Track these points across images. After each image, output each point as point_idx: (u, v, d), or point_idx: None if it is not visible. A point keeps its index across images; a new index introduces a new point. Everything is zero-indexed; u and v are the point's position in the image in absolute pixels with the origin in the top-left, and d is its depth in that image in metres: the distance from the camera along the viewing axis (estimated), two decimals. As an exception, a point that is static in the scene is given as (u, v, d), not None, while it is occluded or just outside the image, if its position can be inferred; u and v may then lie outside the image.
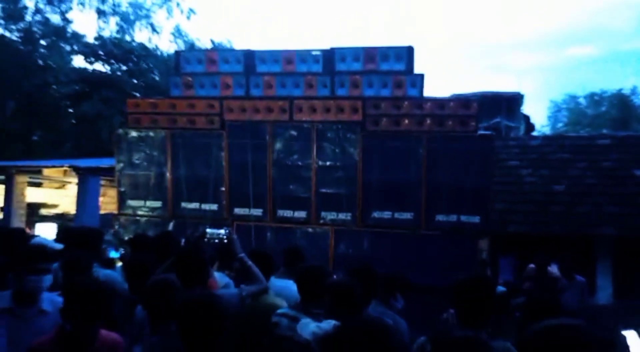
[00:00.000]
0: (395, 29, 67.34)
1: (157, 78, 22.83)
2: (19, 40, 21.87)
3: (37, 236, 5.10)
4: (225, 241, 4.22)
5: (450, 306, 3.13)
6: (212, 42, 26.42)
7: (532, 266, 7.58)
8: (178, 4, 25.66)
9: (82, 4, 23.71)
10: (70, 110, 22.45)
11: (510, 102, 13.68)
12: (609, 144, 11.01)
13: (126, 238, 7.23)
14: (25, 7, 22.37)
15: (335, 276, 6.75)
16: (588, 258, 9.47)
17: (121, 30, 25.03)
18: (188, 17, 25.87)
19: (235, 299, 3.67)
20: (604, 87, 34.14)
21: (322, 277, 3.66)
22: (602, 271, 9.65)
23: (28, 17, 22.41)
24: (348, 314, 3.11)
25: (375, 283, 3.98)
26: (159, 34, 25.99)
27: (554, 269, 7.96)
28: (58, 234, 9.77)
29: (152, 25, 25.77)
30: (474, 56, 71.00)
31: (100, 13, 24.49)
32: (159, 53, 24.73)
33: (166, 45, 26.27)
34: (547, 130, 33.95)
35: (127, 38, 24.55)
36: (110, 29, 24.95)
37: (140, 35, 25.52)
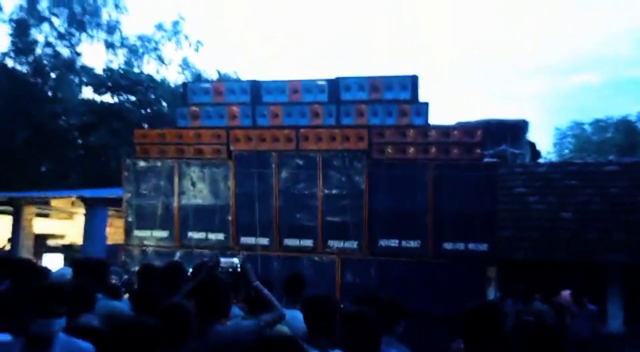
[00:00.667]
0: (401, 56, 68.07)
1: (164, 109, 23.08)
2: (29, 72, 22.23)
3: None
4: (239, 269, 4.18)
5: (459, 335, 3.11)
6: (218, 72, 26.76)
7: (538, 295, 7.54)
8: (187, 37, 26.11)
9: (92, 36, 24.15)
10: (79, 141, 22.68)
11: (515, 130, 13.71)
12: (616, 170, 10.97)
13: (133, 269, 7.23)
14: (36, 41, 22.79)
15: (342, 305, 6.73)
16: (598, 285, 9.37)
17: (129, 62, 25.43)
18: (196, 49, 26.29)
19: (252, 330, 3.62)
20: (609, 113, 34.17)
21: (329, 307, 3.61)
22: (612, 299, 9.52)
23: (38, 51, 22.81)
24: (365, 346, 3.06)
25: (383, 312, 3.93)
26: (167, 66, 26.40)
27: (564, 296, 7.90)
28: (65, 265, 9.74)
29: (160, 57, 26.19)
30: (479, 85, 71.46)
31: (109, 46, 24.90)
32: (166, 84, 25.04)
33: (174, 76, 26.64)
34: (552, 157, 33.87)
35: (136, 70, 24.92)
36: (118, 61, 25.38)
37: (148, 66, 25.93)
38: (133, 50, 25.72)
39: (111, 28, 24.77)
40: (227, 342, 3.39)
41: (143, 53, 25.93)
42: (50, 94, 22.35)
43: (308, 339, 3.49)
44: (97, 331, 3.42)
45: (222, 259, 4.22)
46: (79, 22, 23.56)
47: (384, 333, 3.79)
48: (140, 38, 25.87)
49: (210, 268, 4.14)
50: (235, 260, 4.20)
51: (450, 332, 4.00)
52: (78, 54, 23.86)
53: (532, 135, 15.14)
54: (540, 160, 16.71)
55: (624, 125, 33.00)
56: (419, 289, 6.69)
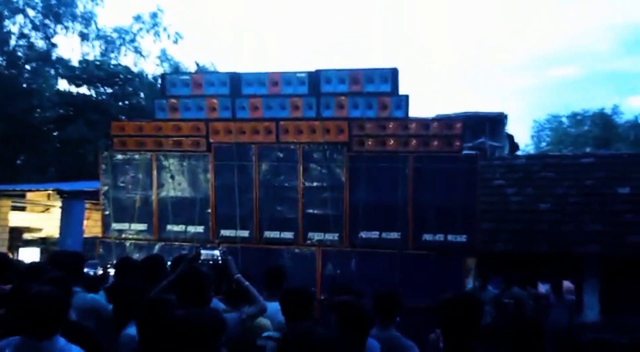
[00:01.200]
0: (381, 51, 68.13)
1: (142, 101, 22.82)
2: (3, 64, 21.78)
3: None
4: (220, 262, 4.17)
5: (437, 326, 3.12)
6: (197, 64, 26.52)
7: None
8: (165, 29, 25.81)
9: (67, 28, 23.73)
10: (55, 133, 22.34)
11: (493, 122, 13.83)
12: (592, 162, 11.14)
13: (110, 262, 7.14)
14: (10, 32, 22.33)
15: (322, 297, 6.76)
16: (574, 276, 9.51)
17: (106, 53, 25.07)
18: (175, 41, 25.99)
19: (235, 323, 3.61)
20: (586, 107, 34.64)
21: (305, 298, 3.63)
22: (588, 289, 9.68)
23: (12, 42, 22.35)
24: (354, 334, 3.09)
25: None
26: (145, 58, 26.08)
27: (542, 287, 8.00)
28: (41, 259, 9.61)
29: (137, 49, 25.86)
30: (457, 79, 71.90)
31: (84, 37, 24.51)
32: (144, 76, 24.75)
33: (151, 68, 26.33)
34: (530, 150, 34.28)
35: (113, 62, 24.58)
36: (95, 53, 25.00)
37: (126, 59, 25.59)
38: (110, 42, 25.35)
39: (87, 20, 24.36)
40: None
41: (120, 45, 25.59)
42: (25, 86, 21.92)
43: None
44: (81, 328, 3.37)
45: (203, 252, 4.22)
46: (55, 14, 23.12)
47: (387, 326, 3.79)
48: (117, 30, 25.50)
49: (191, 260, 4.12)
50: (216, 252, 4.21)
51: (429, 324, 4.03)
52: (54, 46, 23.44)
53: (510, 128, 15.27)
54: (518, 153, 16.88)
55: (600, 119, 33.49)
56: (399, 281, 6.71)
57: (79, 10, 23.93)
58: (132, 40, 25.85)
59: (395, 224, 7.00)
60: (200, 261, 4.17)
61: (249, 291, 3.91)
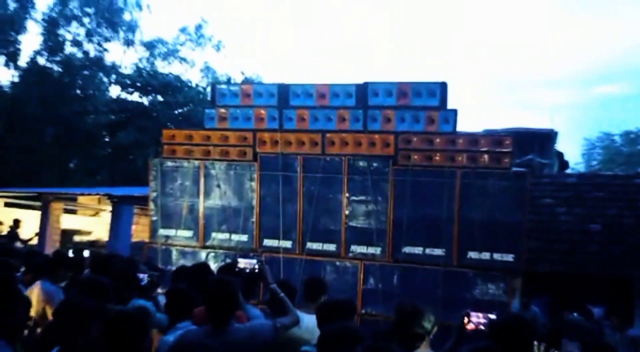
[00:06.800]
0: (427, 63, 67.64)
1: (191, 110, 23.30)
2: (60, 70, 22.58)
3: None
4: (257, 271, 4.23)
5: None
6: (242, 73, 26.96)
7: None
8: (210, 39, 26.42)
9: (118, 36, 24.48)
10: (107, 139, 23.01)
11: (543, 139, 13.48)
12: (646, 183, 10.74)
13: (162, 267, 7.27)
14: (65, 40, 23.15)
15: (363, 311, 6.72)
16: (625, 300, 9.16)
17: (154, 62, 25.78)
18: (218, 50, 26.50)
19: (269, 329, 3.63)
20: (638, 125, 33.48)
21: (340, 312, 3.58)
22: (639, 313, 9.31)
23: (68, 49, 23.17)
24: None
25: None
26: (191, 67, 26.72)
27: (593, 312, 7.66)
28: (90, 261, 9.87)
29: (184, 59, 26.54)
30: (505, 93, 70.67)
31: (131, 44, 25.20)
32: (192, 85, 25.33)
33: (197, 78, 26.94)
34: (580, 168, 33.29)
35: (162, 70, 25.25)
36: (144, 62, 25.72)
37: (172, 68, 26.27)
38: (157, 51, 26.07)
39: (135, 28, 25.10)
40: (243, 339, 3.43)
41: (167, 54, 26.29)
42: (79, 91, 22.68)
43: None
44: None
45: (241, 260, 4.31)
46: (108, 21, 23.89)
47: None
48: (161, 41, 26.17)
49: (227, 268, 4.20)
50: (254, 261, 4.28)
51: (472, 343, 3.93)
52: (105, 50, 24.19)
53: (560, 146, 14.85)
54: (568, 171, 16.42)
55: (655, 138, 32.34)
56: (442, 298, 6.61)
57: (128, 18, 24.70)
58: (177, 51, 26.54)
59: (439, 241, 6.91)
60: (237, 269, 4.25)
61: (283, 302, 3.93)
